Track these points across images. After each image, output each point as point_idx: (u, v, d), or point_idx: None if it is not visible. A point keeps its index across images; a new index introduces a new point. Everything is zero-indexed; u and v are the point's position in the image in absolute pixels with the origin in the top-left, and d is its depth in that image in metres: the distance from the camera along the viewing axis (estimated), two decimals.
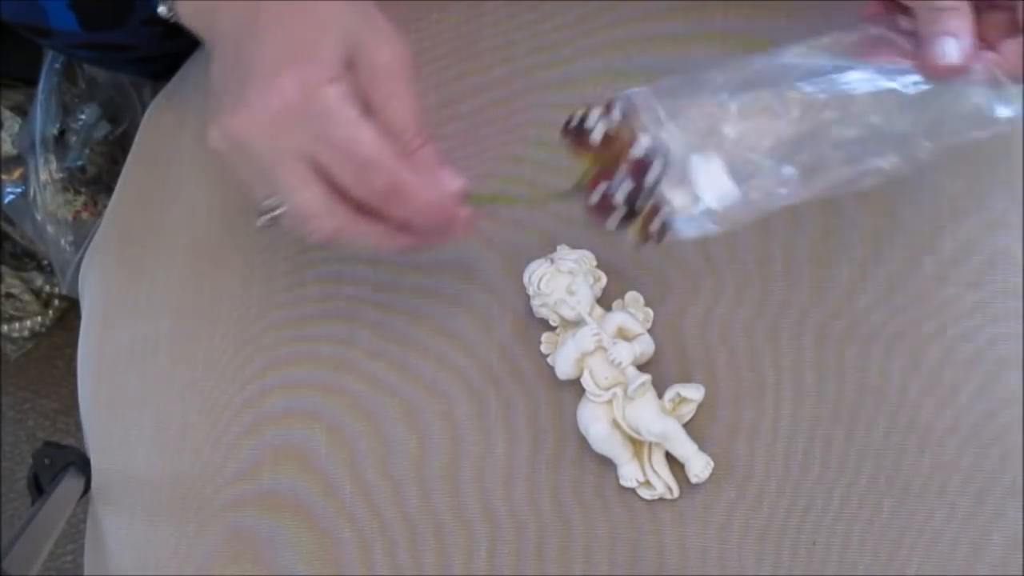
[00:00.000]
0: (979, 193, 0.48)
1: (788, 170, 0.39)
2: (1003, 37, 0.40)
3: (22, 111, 1.00)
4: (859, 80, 0.41)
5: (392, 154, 0.37)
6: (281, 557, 0.48)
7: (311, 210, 0.38)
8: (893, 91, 0.41)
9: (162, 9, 0.42)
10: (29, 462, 0.55)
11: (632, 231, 0.40)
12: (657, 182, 0.38)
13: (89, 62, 0.93)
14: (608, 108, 0.40)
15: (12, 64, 1.00)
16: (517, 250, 0.49)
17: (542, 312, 0.47)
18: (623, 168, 0.39)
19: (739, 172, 0.39)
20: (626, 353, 0.44)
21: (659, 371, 0.45)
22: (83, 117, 0.96)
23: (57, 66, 0.95)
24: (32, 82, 0.97)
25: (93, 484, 0.54)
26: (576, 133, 0.40)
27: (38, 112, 0.94)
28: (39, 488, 0.53)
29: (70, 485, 0.53)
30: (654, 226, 0.39)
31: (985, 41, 0.41)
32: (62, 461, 0.54)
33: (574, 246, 0.48)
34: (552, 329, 0.48)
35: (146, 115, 0.62)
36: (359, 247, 0.40)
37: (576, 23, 0.54)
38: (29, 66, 0.97)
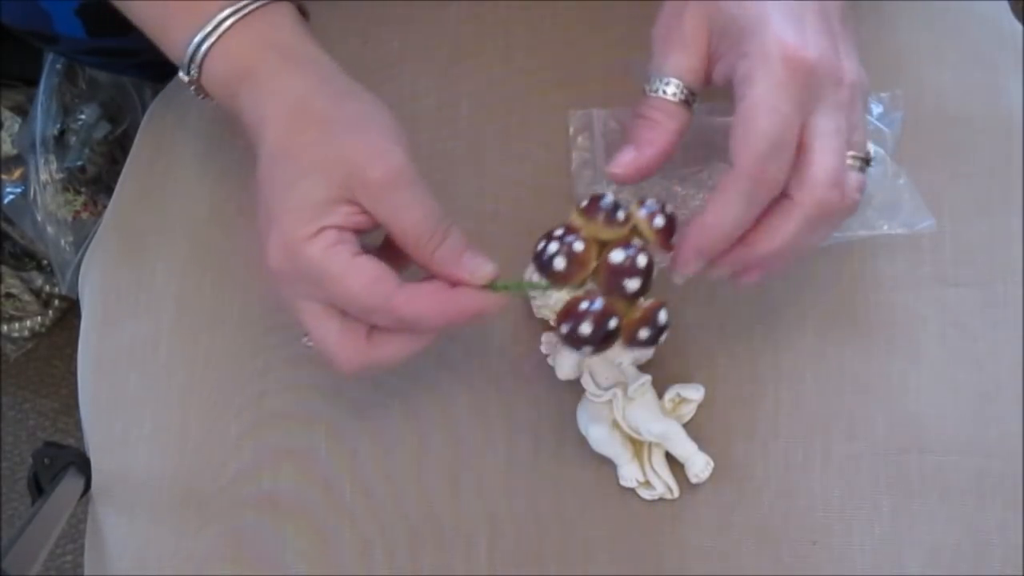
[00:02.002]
0: (980, 199, 0.48)
1: None
2: None
3: (22, 111, 1.00)
4: None
5: (389, 292, 0.38)
6: (281, 557, 0.48)
7: (327, 346, 0.40)
8: None
9: (183, 76, 0.43)
10: (29, 462, 0.55)
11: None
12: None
13: (92, 66, 0.93)
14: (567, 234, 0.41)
15: (12, 64, 0.99)
16: (517, 251, 0.49)
17: (542, 312, 0.47)
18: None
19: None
20: (626, 353, 0.44)
21: (659, 371, 0.45)
22: (83, 117, 0.96)
23: (58, 66, 0.95)
24: (32, 82, 0.97)
25: (93, 484, 0.54)
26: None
27: (38, 112, 0.94)
28: (39, 488, 0.53)
29: (70, 485, 0.53)
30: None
31: None
32: (62, 461, 0.53)
33: None
34: (552, 329, 0.48)
35: (146, 115, 0.62)
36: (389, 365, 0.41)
37: (576, 23, 0.54)
38: (29, 66, 0.97)
